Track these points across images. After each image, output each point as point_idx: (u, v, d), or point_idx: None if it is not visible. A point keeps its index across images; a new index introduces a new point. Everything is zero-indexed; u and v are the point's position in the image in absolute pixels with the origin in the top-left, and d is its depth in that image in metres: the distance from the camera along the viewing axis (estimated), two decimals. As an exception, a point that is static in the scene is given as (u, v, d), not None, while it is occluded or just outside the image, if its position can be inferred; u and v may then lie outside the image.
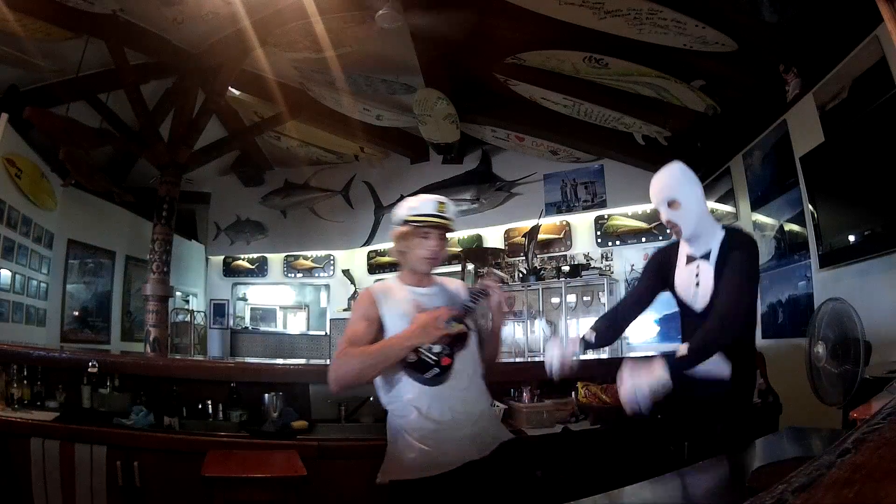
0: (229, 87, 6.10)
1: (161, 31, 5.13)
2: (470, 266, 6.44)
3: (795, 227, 3.55)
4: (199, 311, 7.85)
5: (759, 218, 4.11)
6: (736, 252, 1.66)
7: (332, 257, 8.16)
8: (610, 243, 6.16)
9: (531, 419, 2.50)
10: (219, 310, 8.31)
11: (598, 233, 6.24)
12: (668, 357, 1.52)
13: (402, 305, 1.61)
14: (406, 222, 1.64)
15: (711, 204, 5.15)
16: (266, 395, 2.45)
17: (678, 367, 1.51)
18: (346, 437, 2.33)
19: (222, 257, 8.58)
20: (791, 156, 3.53)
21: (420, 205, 1.64)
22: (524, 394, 2.61)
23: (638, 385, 1.48)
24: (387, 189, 7.33)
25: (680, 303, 1.82)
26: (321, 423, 2.50)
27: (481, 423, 1.63)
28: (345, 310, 7.74)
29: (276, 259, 8.40)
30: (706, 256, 1.73)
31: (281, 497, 1.93)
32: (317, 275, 8.24)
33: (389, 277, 1.75)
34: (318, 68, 5.34)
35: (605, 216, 6.22)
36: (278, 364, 3.10)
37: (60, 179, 5.58)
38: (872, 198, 2.70)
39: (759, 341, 3.99)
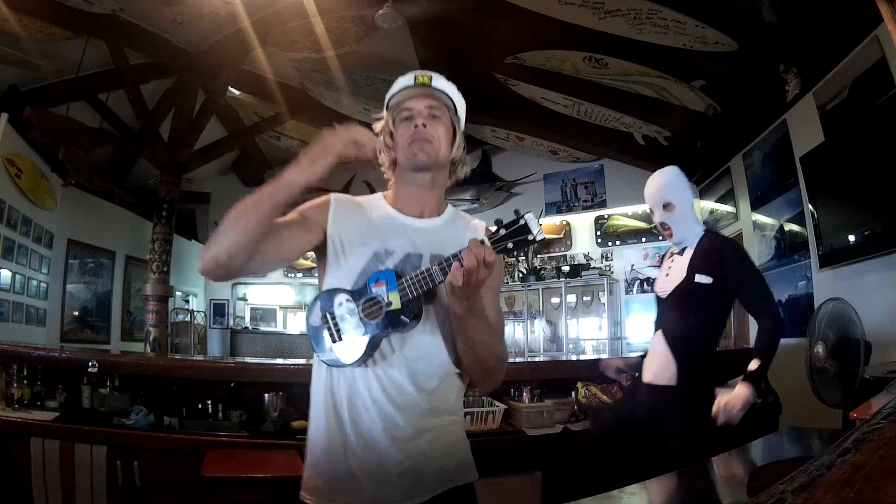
0: (229, 87, 6.10)
1: (161, 31, 5.12)
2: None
3: (795, 227, 3.55)
4: (199, 311, 7.85)
5: (759, 218, 4.11)
6: (732, 252, 1.83)
7: (332, 257, 8.15)
8: (610, 243, 6.16)
9: (531, 419, 2.50)
10: (219, 310, 8.31)
11: (598, 233, 6.24)
12: (748, 376, 1.71)
13: (370, 229, 1.11)
14: (385, 110, 1.20)
15: (711, 204, 5.15)
16: (266, 395, 2.45)
17: (757, 378, 1.72)
18: (346, 437, 2.33)
19: (222, 257, 8.57)
20: (791, 156, 3.53)
21: (398, 82, 1.19)
22: (524, 394, 2.61)
23: (734, 404, 1.66)
24: (387, 189, 7.32)
25: (656, 296, 2.01)
26: (321, 423, 2.50)
27: (430, 445, 1.01)
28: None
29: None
30: (681, 252, 1.89)
31: (281, 497, 1.93)
32: (317, 275, 8.24)
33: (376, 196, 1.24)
34: (318, 68, 5.34)
35: (605, 216, 6.23)
36: (278, 364, 3.09)
37: (60, 179, 5.58)
38: (872, 198, 2.71)
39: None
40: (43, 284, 5.50)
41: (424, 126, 1.12)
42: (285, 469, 1.97)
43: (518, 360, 5.14)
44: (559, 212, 6.44)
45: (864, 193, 2.78)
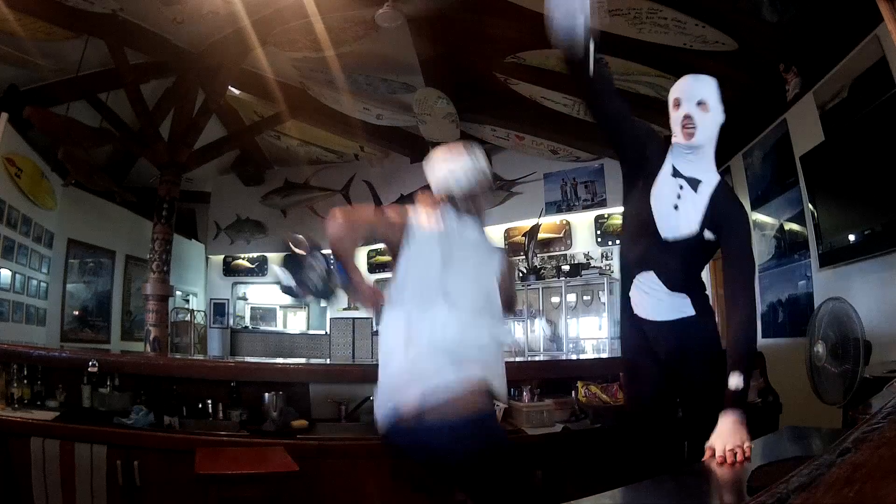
0: (229, 87, 6.09)
1: (161, 30, 5.12)
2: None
3: (795, 227, 3.55)
4: (199, 311, 7.86)
5: (759, 217, 4.11)
6: (745, 222, 1.60)
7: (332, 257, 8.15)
8: (610, 242, 6.15)
9: (531, 419, 2.50)
10: (219, 309, 8.31)
11: (598, 232, 6.24)
12: (736, 402, 1.39)
13: None
14: None
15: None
16: (266, 394, 2.45)
17: (743, 400, 1.40)
18: (346, 436, 2.33)
19: (222, 257, 8.58)
20: (791, 155, 3.53)
21: None
22: (524, 393, 2.61)
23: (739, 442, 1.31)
24: (387, 188, 7.32)
25: (646, 216, 1.61)
26: (321, 423, 2.50)
27: None
28: (345, 309, 7.75)
29: (276, 258, 8.40)
30: (692, 183, 1.57)
31: (279, 495, 1.93)
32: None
33: None
34: (318, 67, 5.34)
35: (605, 215, 6.22)
36: (278, 363, 3.10)
37: (60, 179, 5.58)
38: (872, 197, 2.70)
39: (759, 341, 3.99)
40: (43, 284, 5.50)
41: None
42: (279, 465, 1.97)
43: (518, 359, 5.14)
44: (559, 211, 6.43)
45: (864, 193, 2.77)
